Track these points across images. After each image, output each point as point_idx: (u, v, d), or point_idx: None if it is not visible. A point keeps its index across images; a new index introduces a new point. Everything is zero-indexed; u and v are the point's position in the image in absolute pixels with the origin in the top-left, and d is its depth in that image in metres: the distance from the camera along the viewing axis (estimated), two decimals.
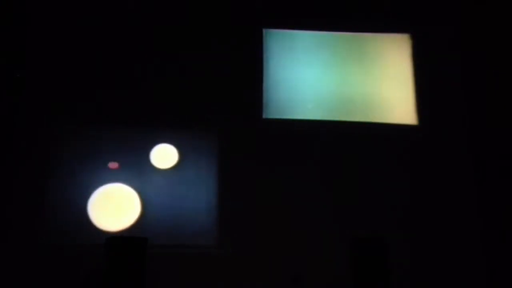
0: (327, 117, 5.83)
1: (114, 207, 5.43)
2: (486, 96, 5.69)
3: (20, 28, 5.68)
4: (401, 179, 5.67)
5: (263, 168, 5.56)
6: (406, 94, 5.99)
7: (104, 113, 5.65)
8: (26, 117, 5.55)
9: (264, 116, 5.80)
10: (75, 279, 4.91)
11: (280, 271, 5.21)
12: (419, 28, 6.15)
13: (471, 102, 5.85)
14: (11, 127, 5.46)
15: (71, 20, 5.83)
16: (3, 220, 5.24)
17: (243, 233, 5.34)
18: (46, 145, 5.52)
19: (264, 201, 5.45)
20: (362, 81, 5.98)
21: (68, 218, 5.34)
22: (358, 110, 5.86)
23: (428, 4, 6.12)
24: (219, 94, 5.74)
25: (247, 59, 5.88)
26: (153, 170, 5.58)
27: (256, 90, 5.83)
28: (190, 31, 5.90)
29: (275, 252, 5.27)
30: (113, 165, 5.33)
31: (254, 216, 5.40)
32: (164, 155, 5.63)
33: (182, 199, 5.50)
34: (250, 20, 5.95)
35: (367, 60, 6.05)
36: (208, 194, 5.53)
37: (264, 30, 6.00)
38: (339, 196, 5.54)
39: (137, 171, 5.55)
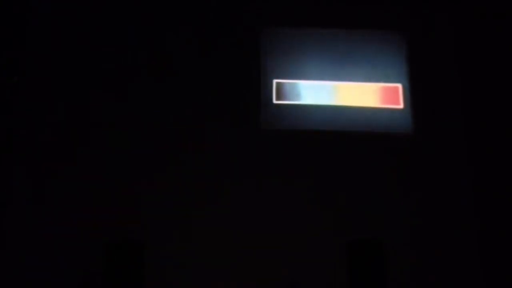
0: (325, 126, 5.85)
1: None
2: (484, 99, 5.73)
3: (20, 28, 5.71)
4: (397, 184, 5.68)
5: (260, 173, 5.58)
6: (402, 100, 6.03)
7: (97, 117, 5.68)
8: (25, 119, 5.61)
9: (262, 121, 5.80)
10: (73, 281, 4.94)
11: (277, 276, 5.21)
12: (414, 34, 6.15)
13: (468, 106, 5.88)
14: (10, 128, 5.49)
15: (71, 22, 5.89)
16: (2, 220, 5.29)
17: (240, 238, 5.34)
18: (44, 146, 5.55)
19: (261, 207, 5.46)
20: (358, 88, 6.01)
21: (67, 220, 5.34)
22: (355, 118, 5.88)
23: (425, 7, 6.17)
24: (216, 102, 5.78)
25: (244, 67, 5.91)
26: None
27: (253, 98, 5.85)
28: (187, 38, 5.95)
29: (272, 257, 5.28)
30: None
31: (250, 222, 5.41)
32: None
33: None
34: (248, 27, 5.99)
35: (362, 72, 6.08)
36: None
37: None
38: (336, 201, 5.55)
39: None
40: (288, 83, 5.93)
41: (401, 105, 5.94)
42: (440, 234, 5.55)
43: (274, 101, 5.87)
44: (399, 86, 5.99)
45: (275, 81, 5.90)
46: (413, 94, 5.97)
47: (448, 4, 6.15)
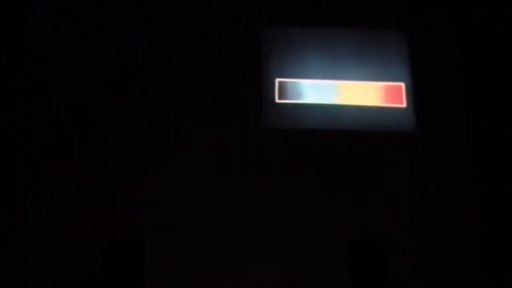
0: (328, 125, 5.85)
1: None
2: (485, 99, 5.72)
3: (20, 28, 5.72)
4: (399, 184, 5.67)
5: (261, 173, 5.57)
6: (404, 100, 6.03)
7: (97, 117, 5.67)
8: (25, 119, 5.61)
9: (264, 121, 5.81)
10: (73, 281, 4.94)
11: (278, 275, 5.22)
12: (415, 34, 6.16)
13: (469, 105, 5.87)
14: (10, 128, 5.49)
15: (71, 22, 5.89)
16: (2, 220, 5.29)
17: (240, 238, 5.34)
18: (44, 146, 5.55)
19: (262, 207, 5.46)
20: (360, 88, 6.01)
21: (67, 220, 5.34)
22: (358, 117, 5.88)
23: (425, 7, 6.17)
24: (217, 102, 5.77)
25: (245, 67, 5.90)
26: None
27: (255, 97, 5.84)
28: (185, 37, 5.95)
29: (273, 256, 5.28)
30: None
31: (251, 221, 5.40)
32: None
33: None
34: (248, 27, 5.99)
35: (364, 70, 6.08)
36: None
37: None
38: (337, 201, 5.55)
39: None
40: (291, 82, 5.92)
41: (404, 104, 5.94)
42: (440, 234, 5.55)
43: (276, 100, 5.87)
44: (402, 85, 5.99)
45: (277, 80, 5.90)
46: (416, 93, 5.96)
47: (448, 4, 6.15)
